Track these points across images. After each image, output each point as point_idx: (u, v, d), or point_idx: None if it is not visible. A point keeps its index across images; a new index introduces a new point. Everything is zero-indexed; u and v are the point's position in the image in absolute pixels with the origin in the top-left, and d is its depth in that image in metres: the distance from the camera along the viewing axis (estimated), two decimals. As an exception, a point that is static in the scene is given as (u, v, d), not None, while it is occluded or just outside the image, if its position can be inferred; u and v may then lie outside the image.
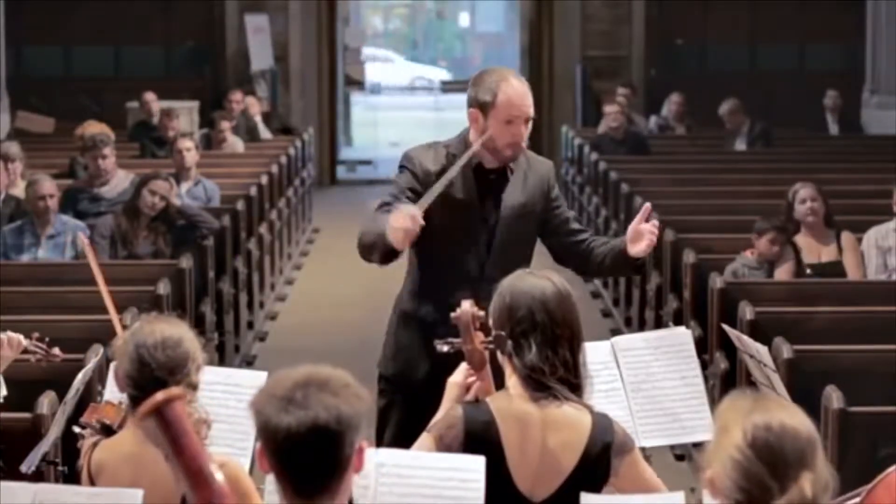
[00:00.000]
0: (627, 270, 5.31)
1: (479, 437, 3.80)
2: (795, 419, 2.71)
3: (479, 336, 4.00)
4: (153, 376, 3.71)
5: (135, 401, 3.80)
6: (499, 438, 3.80)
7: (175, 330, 3.83)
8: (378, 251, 4.89)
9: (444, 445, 3.81)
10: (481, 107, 5.04)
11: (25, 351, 5.09)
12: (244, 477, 3.83)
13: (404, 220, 4.74)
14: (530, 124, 5.08)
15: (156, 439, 3.75)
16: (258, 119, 15.52)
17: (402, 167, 5.18)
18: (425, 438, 3.85)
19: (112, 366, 4.15)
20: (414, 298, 5.16)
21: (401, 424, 4.93)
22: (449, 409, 3.92)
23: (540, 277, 3.95)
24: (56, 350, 5.12)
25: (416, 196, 5.02)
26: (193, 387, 3.82)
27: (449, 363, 4.66)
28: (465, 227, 5.07)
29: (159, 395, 2.57)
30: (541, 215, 5.17)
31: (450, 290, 4.94)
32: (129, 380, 3.81)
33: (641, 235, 4.95)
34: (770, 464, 2.62)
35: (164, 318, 3.93)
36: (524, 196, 5.13)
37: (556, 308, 3.86)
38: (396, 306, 5.23)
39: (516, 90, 5.03)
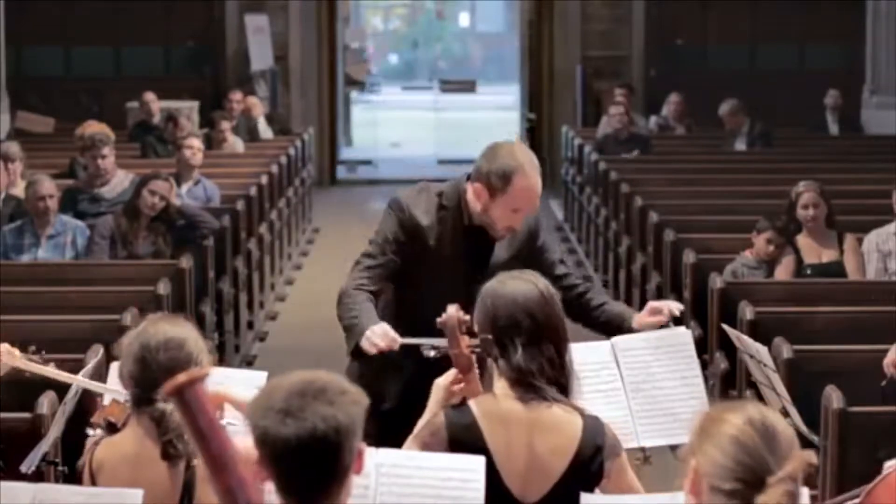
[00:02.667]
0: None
1: (462, 440, 3.79)
2: (779, 417, 2.82)
3: (466, 340, 4.00)
4: (154, 377, 3.72)
5: (137, 399, 3.81)
6: (483, 440, 3.79)
7: (179, 331, 3.82)
8: (348, 339, 4.99)
9: (428, 451, 3.80)
10: (490, 188, 4.98)
11: (21, 366, 5.05)
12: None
13: (381, 342, 4.79)
14: None
15: (155, 437, 3.78)
16: (260, 119, 15.53)
17: (391, 211, 5.14)
18: (410, 446, 3.85)
19: (117, 364, 4.16)
20: (387, 319, 5.07)
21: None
22: (432, 415, 3.92)
23: (523, 281, 3.94)
24: (52, 367, 5.10)
25: (399, 250, 5.04)
26: None
27: (416, 393, 4.68)
28: (447, 281, 4.99)
29: (182, 376, 2.54)
30: (524, 263, 5.09)
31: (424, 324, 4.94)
32: (131, 379, 3.82)
33: (659, 312, 4.96)
34: (767, 441, 2.71)
35: (170, 318, 3.93)
36: (510, 252, 5.11)
37: (538, 311, 3.86)
38: None
39: (530, 184, 4.97)
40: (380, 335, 4.80)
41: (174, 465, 3.77)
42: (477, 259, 5.07)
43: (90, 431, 4.17)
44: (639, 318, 5.02)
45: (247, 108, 15.37)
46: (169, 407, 3.66)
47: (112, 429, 4.03)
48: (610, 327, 5.05)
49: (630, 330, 4.98)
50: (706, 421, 2.79)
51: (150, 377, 3.73)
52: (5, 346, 5.03)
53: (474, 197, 5.03)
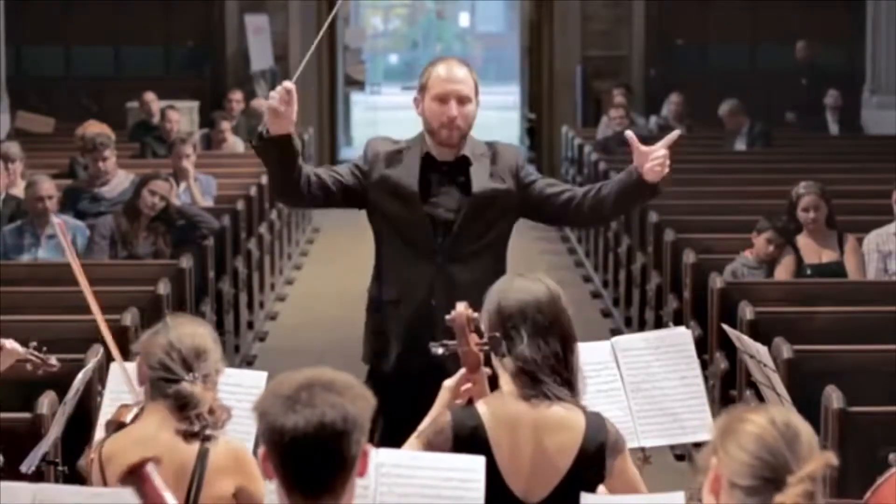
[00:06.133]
0: (643, 198, 5.23)
1: (467, 441, 3.79)
2: (802, 419, 2.84)
3: (474, 338, 4.00)
4: (182, 357, 3.93)
5: (162, 382, 3.94)
6: (487, 441, 3.80)
7: (198, 329, 4.06)
8: (268, 161, 5.01)
9: (432, 450, 3.80)
10: (420, 90, 5.13)
11: (22, 360, 5.08)
12: (247, 457, 3.92)
13: (275, 94, 4.83)
14: (471, 106, 5.09)
15: (171, 422, 3.87)
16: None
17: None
18: (414, 443, 3.85)
19: (117, 365, 4.20)
20: (374, 280, 5.22)
21: (390, 415, 4.69)
22: (438, 414, 3.92)
23: (531, 280, 3.94)
24: (53, 360, 5.11)
25: (352, 176, 5.13)
26: (213, 382, 3.97)
27: (408, 348, 4.69)
28: (411, 215, 5.09)
29: (135, 461, 2.70)
30: (517, 199, 5.16)
31: (406, 273, 5.08)
32: (158, 366, 3.94)
33: (653, 159, 4.94)
34: (789, 441, 2.73)
35: (186, 317, 4.22)
36: (490, 184, 5.12)
37: (546, 310, 3.87)
38: (368, 294, 5.29)
39: (446, 69, 5.09)
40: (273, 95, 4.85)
41: (189, 442, 3.89)
42: (446, 189, 5.12)
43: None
44: (642, 167, 4.96)
45: (254, 108, 15.42)
46: (196, 387, 3.89)
47: (121, 428, 4.06)
48: (628, 191, 5.05)
49: (642, 182, 4.96)
50: (729, 420, 2.81)
51: (178, 358, 3.95)
52: (9, 342, 5.06)
53: (415, 109, 5.17)
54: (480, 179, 5.11)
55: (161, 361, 3.93)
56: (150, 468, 2.68)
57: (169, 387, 3.91)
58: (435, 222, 5.09)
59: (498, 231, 5.18)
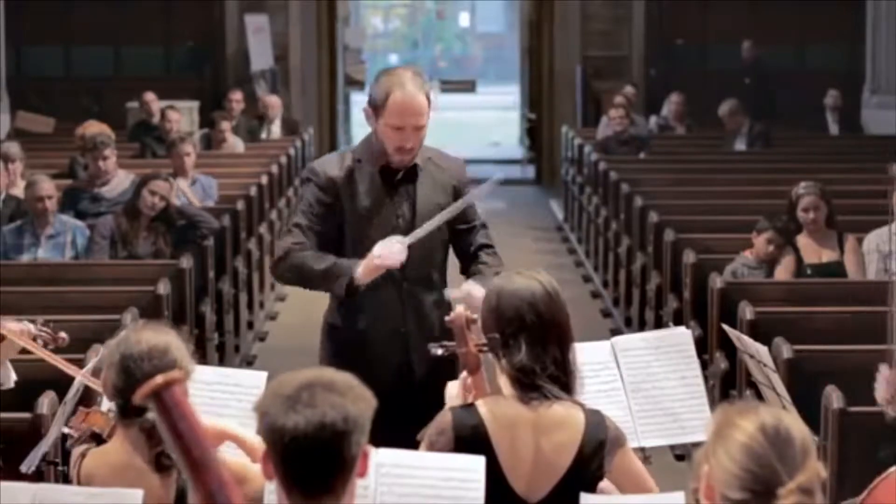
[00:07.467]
0: None
1: (468, 441, 3.80)
2: (797, 420, 2.77)
3: (473, 339, 4.00)
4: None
5: (124, 411, 3.77)
6: (489, 441, 3.80)
7: (162, 338, 3.75)
8: (333, 281, 4.99)
9: (435, 451, 3.81)
10: (374, 107, 5.07)
11: (33, 338, 5.09)
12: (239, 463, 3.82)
13: (399, 255, 4.85)
14: (424, 131, 5.08)
15: (144, 449, 3.75)
16: (276, 121, 15.58)
17: (306, 179, 5.21)
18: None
19: (101, 375, 4.14)
20: (336, 308, 5.17)
21: None
22: (439, 415, 3.94)
23: (528, 278, 3.94)
24: (62, 334, 5.13)
25: (324, 213, 5.06)
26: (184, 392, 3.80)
27: (377, 375, 4.64)
28: (377, 232, 5.05)
29: (159, 378, 2.53)
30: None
31: (368, 296, 5.02)
32: (115, 390, 3.75)
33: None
34: (778, 450, 2.66)
35: (151, 326, 3.85)
36: (433, 195, 5.12)
37: (544, 309, 3.86)
38: (324, 319, 5.23)
39: (406, 98, 5.01)
40: (395, 250, 4.88)
41: (167, 475, 3.75)
42: (401, 201, 5.10)
43: (67, 430, 4.15)
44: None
45: (266, 105, 15.47)
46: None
47: (97, 440, 4.00)
48: None
49: None
50: (720, 424, 2.74)
51: (135, 388, 3.70)
52: (17, 325, 5.06)
53: (366, 120, 5.12)
54: (425, 191, 5.12)
55: (120, 389, 3.71)
56: (179, 392, 2.55)
57: (134, 417, 3.70)
58: (396, 233, 5.06)
59: (443, 247, 5.19)
